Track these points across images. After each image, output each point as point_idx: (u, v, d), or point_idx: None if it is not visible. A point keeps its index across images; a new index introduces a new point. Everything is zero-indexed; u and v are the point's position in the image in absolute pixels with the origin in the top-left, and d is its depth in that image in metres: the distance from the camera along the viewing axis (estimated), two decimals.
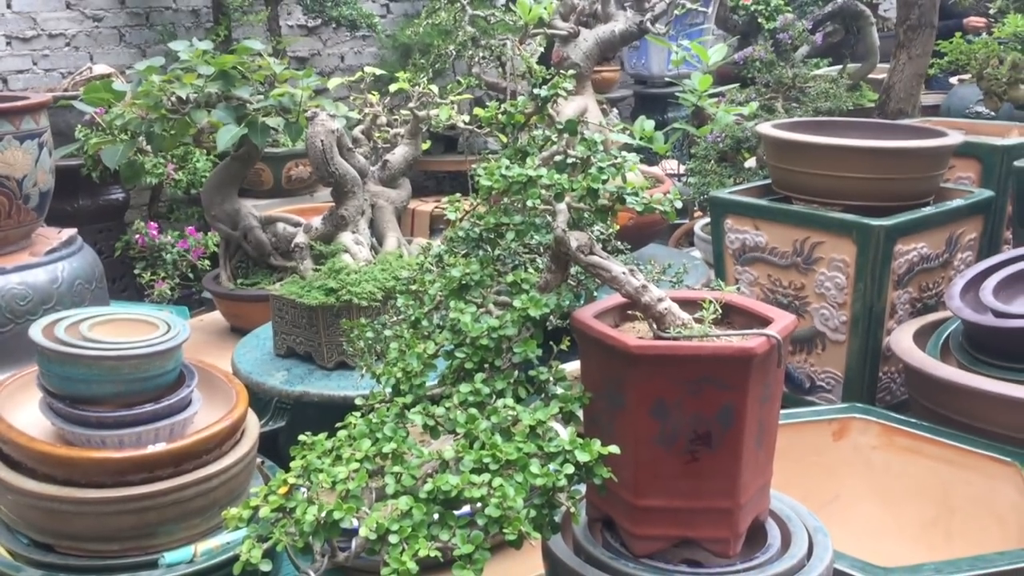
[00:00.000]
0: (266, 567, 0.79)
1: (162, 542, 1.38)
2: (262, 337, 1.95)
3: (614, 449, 0.82)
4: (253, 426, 1.52)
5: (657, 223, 2.31)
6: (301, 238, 1.97)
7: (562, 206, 0.96)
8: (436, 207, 3.71)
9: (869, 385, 1.71)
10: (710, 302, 0.96)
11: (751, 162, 2.57)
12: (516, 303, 0.90)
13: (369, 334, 1.22)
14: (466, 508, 0.79)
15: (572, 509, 0.80)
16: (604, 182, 0.91)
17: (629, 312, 1.00)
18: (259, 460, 1.57)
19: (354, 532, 0.83)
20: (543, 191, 0.92)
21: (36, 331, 1.45)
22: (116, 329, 1.49)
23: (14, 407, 1.47)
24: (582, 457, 0.80)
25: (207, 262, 2.90)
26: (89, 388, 1.40)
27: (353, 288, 1.72)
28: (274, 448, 1.98)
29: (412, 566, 0.73)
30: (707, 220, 2.68)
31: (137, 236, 2.86)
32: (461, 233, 1.07)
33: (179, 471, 1.37)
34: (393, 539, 0.75)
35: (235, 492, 1.46)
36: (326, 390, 1.68)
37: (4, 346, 1.74)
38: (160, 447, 1.36)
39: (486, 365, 0.90)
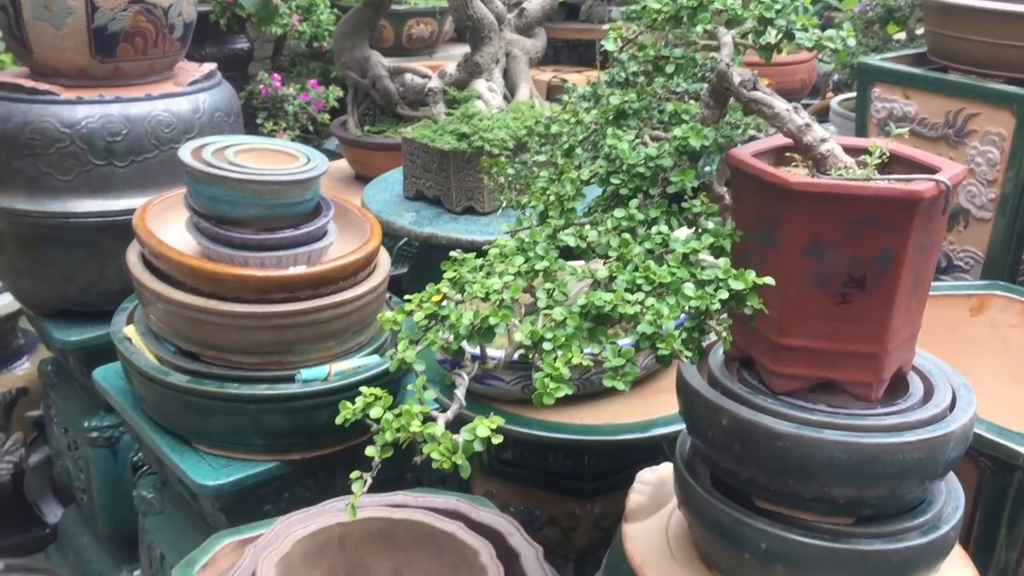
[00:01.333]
0: (420, 366, 0.82)
1: (298, 359, 1.45)
2: (390, 181, 1.98)
3: (769, 280, 0.81)
4: (385, 261, 1.56)
5: (795, 92, 2.23)
6: (435, 83, 1.97)
7: (727, 38, 0.93)
8: (554, 76, 3.64)
9: (1011, 267, 1.65)
10: (876, 147, 0.93)
11: (900, 35, 2.44)
12: (676, 132, 0.89)
13: (510, 170, 1.22)
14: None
15: (724, 334, 0.80)
16: (778, 12, 0.88)
17: (787, 155, 0.97)
18: (387, 295, 1.62)
19: (477, 358, 0.85)
20: (711, 17, 0.89)
21: (185, 153, 1.50)
22: (259, 157, 1.53)
23: (161, 225, 1.54)
24: (736, 285, 0.80)
25: (327, 116, 2.94)
26: (233, 210, 1.46)
27: (485, 134, 1.72)
28: (397, 291, 2.04)
29: (565, 371, 0.75)
30: (844, 96, 2.57)
31: (260, 87, 2.91)
32: (616, 68, 1.06)
33: (317, 294, 1.42)
34: (547, 346, 0.76)
35: (366, 319, 1.51)
36: (453, 233, 1.71)
37: (149, 171, 1.81)
38: (300, 270, 1.41)
39: (640, 194, 0.90)
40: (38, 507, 2.51)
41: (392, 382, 1.50)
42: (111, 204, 1.79)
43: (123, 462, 2.02)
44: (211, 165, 1.46)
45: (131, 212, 1.75)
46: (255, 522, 1.23)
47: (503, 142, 1.72)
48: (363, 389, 0.79)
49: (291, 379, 1.44)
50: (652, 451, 1.38)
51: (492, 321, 0.78)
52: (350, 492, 0.76)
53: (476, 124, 1.75)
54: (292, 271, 1.40)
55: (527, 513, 1.47)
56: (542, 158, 1.17)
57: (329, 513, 1.10)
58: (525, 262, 0.84)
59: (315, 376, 1.43)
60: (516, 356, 0.80)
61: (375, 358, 1.51)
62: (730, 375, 0.96)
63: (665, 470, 1.17)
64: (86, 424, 1.99)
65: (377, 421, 0.77)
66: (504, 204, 1.20)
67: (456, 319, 0.81)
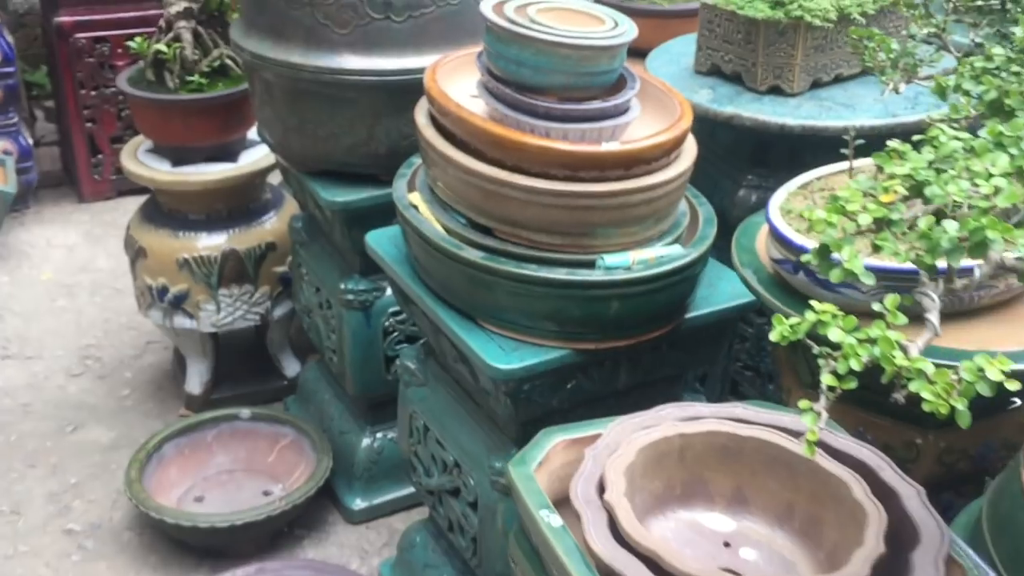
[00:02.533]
0: (869, 280, 0.68)
1: (599, 244, 1.34)
2: (675, 52, 1.82)
3: None
4: (691, 144, 1.41)
5: None
6: None
7: None
8: None
9: None
10: None
11: None
12: None
13: (894, 46, 1.04)
14: None
15: None
16: None
17: None
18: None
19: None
20: None
21: (487, 8, 1.38)
22: (562, 18, 1.39)
23: (448, 87, 1.44)
24: None
25: None
26: (536, 76, 1.33)
27: (806, 3, 1.52)
28: None
29: None
30: None
31: None
32: None
33: (628, 174, 1.30)
34: None
35: (672, 206, 1.38)
36: (760, 114, 1.54)
37: (425, 28, 1.70)
38: (614, 146, 1.28)
39: None
40: (278, 359, 2.58)
41: (690, 279, 1.38)
42: (386, 63, 1.71)
43: (376, 326, 2.01)
44: (516, 23, 1.34)
45: (405, 72, 1.67)
46: (566, 420, 1.15)
47: (825, 12, 1.51)
48: (816, 305, 0.65)
49: (591, 264, 1.33)
50: None
51: (991, 235, 0.63)
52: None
53: None
54: (605, 147, 1.28)
55: (857, 438, 1.33)
56: (926, 31, 0.98)
57: (668, 422, 1.00)
58: (1012, 160, 0.68)
59: (618, 264, 1.32)
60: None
61: (677, 248, 1.38)
62: None
63: None
64: (342, 286, 1.97)
65: (832, 345, 0.64)
66: (889, 87, 1.03)
67: (929, 229, 0.66)
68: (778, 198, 1.30)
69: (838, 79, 1.62)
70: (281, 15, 1.71)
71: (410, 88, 1.70)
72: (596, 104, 1.34)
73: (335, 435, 2.22)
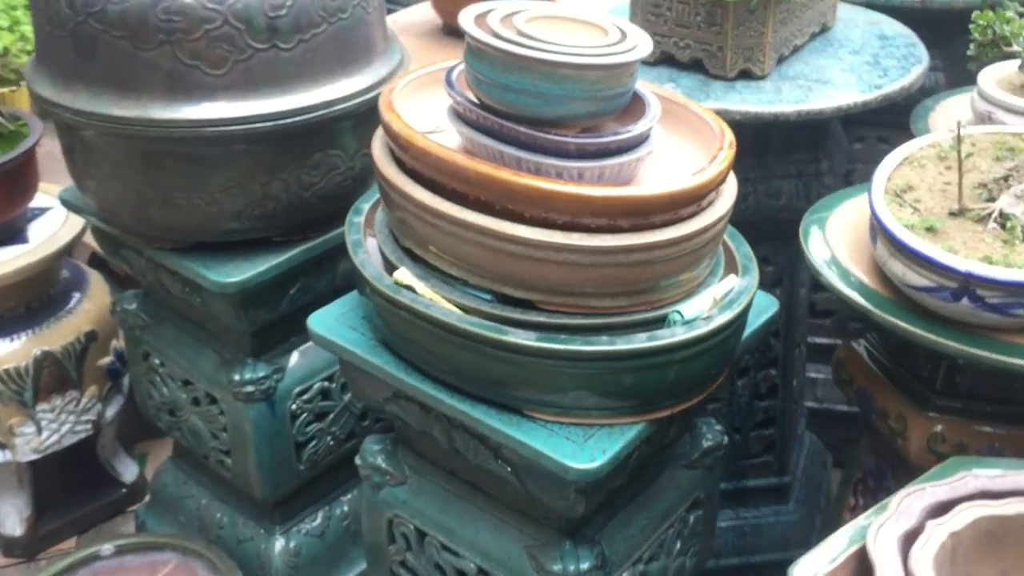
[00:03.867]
0: None
1: (664, 296, 1.13)
2: None
3: None
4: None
5: None
6: None
7: None
8: None
9: None
10: None
11: None
12: None
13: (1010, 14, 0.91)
14: None
15: None
16: None
17: None
18: None
19: None
20: None
21: (469, 23, 1.11)
22: (558, 29, 1.15)
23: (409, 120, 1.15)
24: None
25: None
26: (550, 106, 1.09)
27: None
28: None
29: None
30: None
31: None
32: None
33: (700, 210, 1.09)
34: None
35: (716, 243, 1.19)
36: (748, 105, 1.38)
37: (318, 54, 1.36)
38: (688, 182, 1.06)
39: None
40: (111, 465, 2.11)
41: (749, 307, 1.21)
42: (278, 103, 1.36)
43: (281, 413, 1.66)
44: (517, 43, 1.08)
45: (302, 112, 1.35)
46: None
47: None
48: None
49: (661, 321, 1.12)
50: None
51: None
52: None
53: None
54: (673, 187, 1.06)
55: (864, 396, 1.22)
56: None
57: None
58: None
59: (696, 315, 1.12)
60: None
61: (732, 279, 1.20)
62: None
63: None
64: (236, 377, 1.60)
65: None
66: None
67: None
68: (885, 212, 1.13)
69: (794, 50, 1.50)
70: (126, 60, 1.30)
71: (310, 129, 1.38)
72: (626, 132, 1.12)
73: (232, 545, 1.84)
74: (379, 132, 1.24)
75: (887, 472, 1.25)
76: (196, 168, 1.38)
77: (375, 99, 1.42)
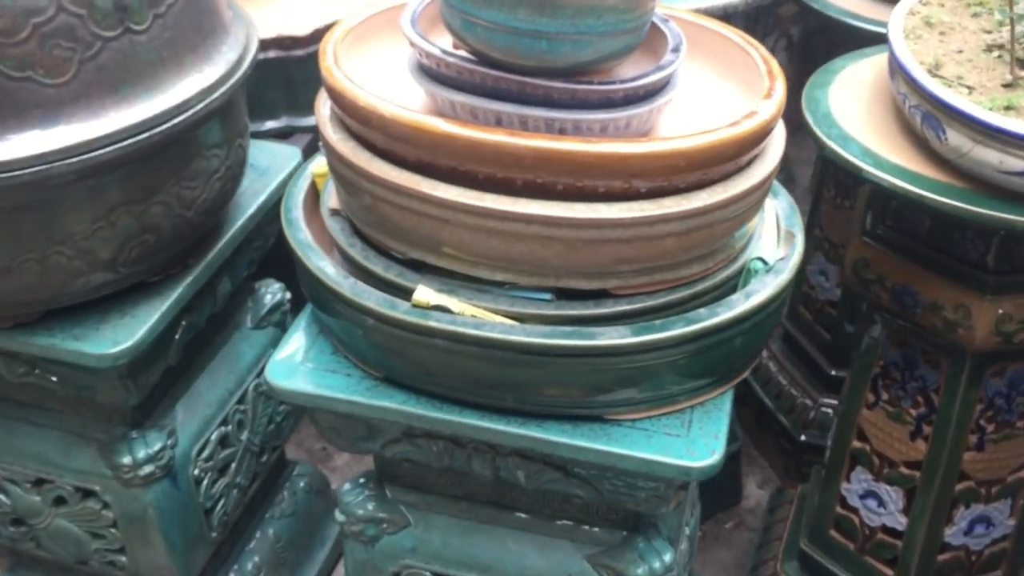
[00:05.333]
0: None
1: (723, 256, 0.98)
2: None
3: None
4: None
5: None
6: None
7: None
8: None
9: None
10: None
11: None
12: None
13: None
14: None
15: None
16: None
17: None
18: None
19: None
20: None
21: None
22: None
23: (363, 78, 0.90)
24: None
25: None
26: (582, 48, 0.89)
27: None
28: None
29: None
30: None
31: None
32: None
33: (759, 155, 0.94)
34: None
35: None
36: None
37: (178, 33, 1.02)
38: (749, 125, 0.90)
39: None
40: None
41: None
42: (149, 105, 1.01)
43: (184, 483, 1.34)
44: None
45: (179, 110, 1.03)
46: None
47: None
48: None
49: (737, 275, 0.98)
50: None
51: None
52: None
53: None
54: (739, 129, 0.89)
55: (905, 293, 1.19)
56: None
57: None
58: None
59: (773, 255, 0.99)
60: None
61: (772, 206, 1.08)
62: None
63: None
64: (126, 460, 1.25)
65: None
66: None
67: None
68: (961, 100, 1.00)
69: None
70: None
71: (190, 129, 1.06)
72: (659, 71, 0.93)
73: None
74: (329, 111, 0.96)
75: (916, 360, 1.22)
76: (48, 216, 1.00)
77: (245, 76, 1.13)
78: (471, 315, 0.92)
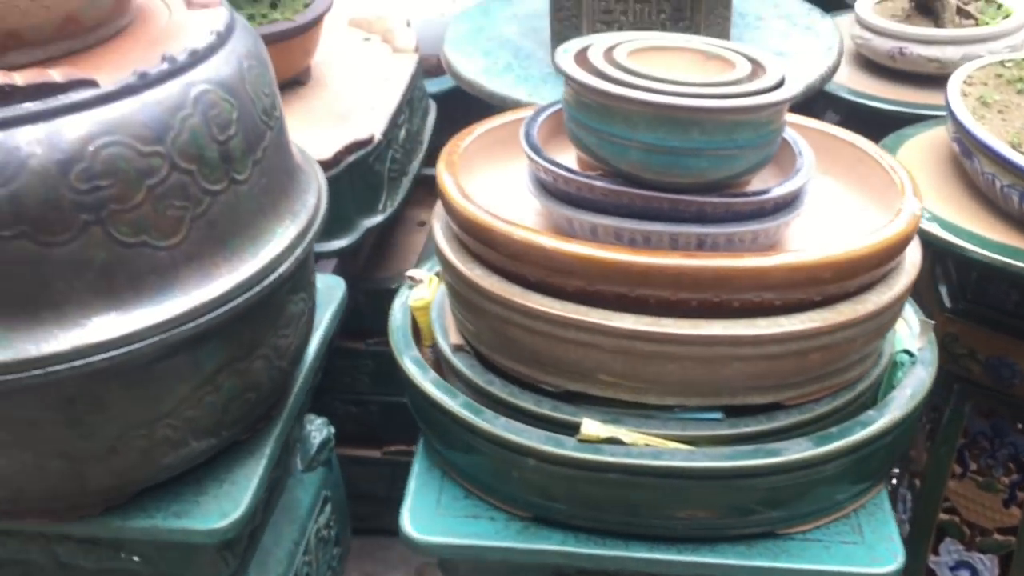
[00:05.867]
0: None
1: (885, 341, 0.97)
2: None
3: None
4: None
5: None
6: None
7: None
8: None
9: None
10: None
11: None
12: None
13: None
14: None
15: None
16: None
17: None
18: None
19: None
20: None
21: (568, 62, 0.87)
22: (662, 62, 0.92)
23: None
24: None
25: None
26: (726, 163, 0.88)
27: None
28: None
29: None
30: None
31: None
32: None
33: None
34: None
35: None
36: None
37: (275, 179, 0.96)
38: (877, 239, 0.89)
39: None
40: None
41: None
42: (261, 255, 0.94)
43: None
44: (660, 91, 0.84)
45: (284, 256, 0.98)
46: None
47: None
48: None
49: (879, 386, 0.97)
50: None
51: None
52: None
53: None
54: (859, 245, 0.87)
55: (1001, 365, 1.21)
56: None
57: None
58: None
59: (916, 345, 0.98)
60: None
61: None
62: None
63: None
64: None
65: None
66: None
67: None
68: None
69: None
70: (27, 271, 0.81)
71: (289, 275, 1.01)
72: (800, 176, 0.93)
73: None
74: (455, 245, 0.92)
75: (1007, 428, 1.23)
76: (158, 385, 0.92)
77: (325, 214, 1.08)
78: (644, 444, 0.88)
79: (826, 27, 1.49)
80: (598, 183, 0.87)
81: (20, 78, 0.79)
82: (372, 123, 1.53)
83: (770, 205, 0.88)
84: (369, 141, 1.49)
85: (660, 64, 0.91)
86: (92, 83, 0.81)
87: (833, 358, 0.87)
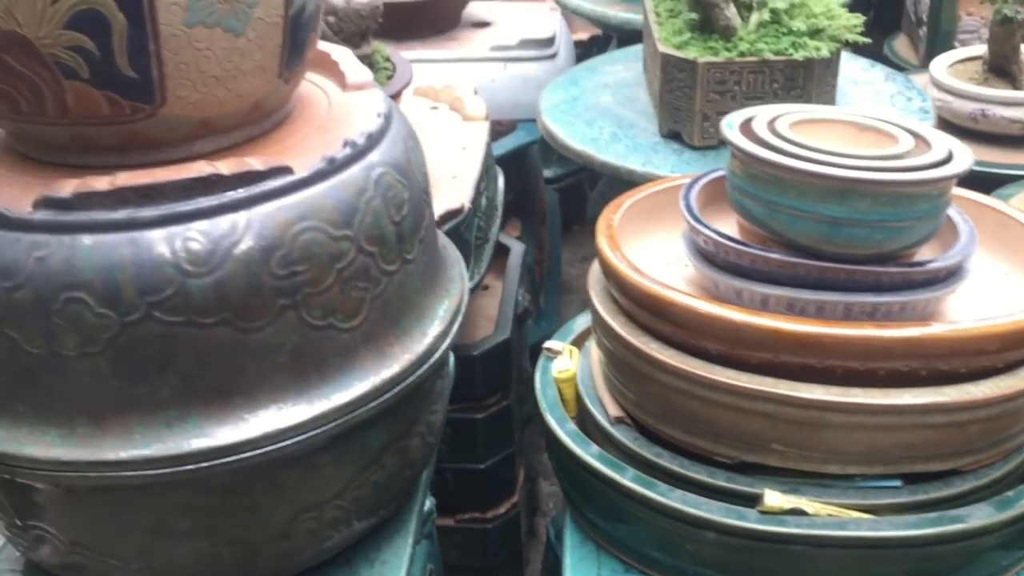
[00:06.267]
0: None
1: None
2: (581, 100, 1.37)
3: None
4: None
5: None
6: None
7: None
8: None
9: None
10: None
11: None
12: None
13: None
14: None
15: None
16: None
17: None
18: None
19: None
20: None
21: (737, 136, 0.88)
22: (819, 134, 0.95)
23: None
24: None
25: None
26: (898, 234, 0.90)
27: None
28: None
29: None
30: None
31: None
32: None
33: None
34: None
35: None
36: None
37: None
38: None
39: None
40: None
41: None
42: (427, 333, 0.95)
43: None
44: (803, 158, 0.87)
45: (438, 344, 0.99)
46: None
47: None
48: None
49: None
50: None
51: None
52: None
53: None
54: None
55: None
56: None
57: None
58: None
59: None
60: None
61: None
62: None
63: None
64: None
65: None
66: None
67: None
68: None
69: None
70: (223, 357, 0.81)
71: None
72: (970, 244, 0.95)
73: None
74: (621, 319, 0.93)
75: None
76: (330, 470, 0.91)
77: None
78: (827, 514, 0.88)
79: (914, 92, 1.53)
80: (773, 255, 0.89)
81: (224, 167, 0.79)
82: (458, 192, 1.54)
83: (943, 273, 0.90)
84: (460, 211, 1.49)
85: (817, 136, 0.93)
86: (288, 170, 0.82)
87: (1014, 423, 0.88)
